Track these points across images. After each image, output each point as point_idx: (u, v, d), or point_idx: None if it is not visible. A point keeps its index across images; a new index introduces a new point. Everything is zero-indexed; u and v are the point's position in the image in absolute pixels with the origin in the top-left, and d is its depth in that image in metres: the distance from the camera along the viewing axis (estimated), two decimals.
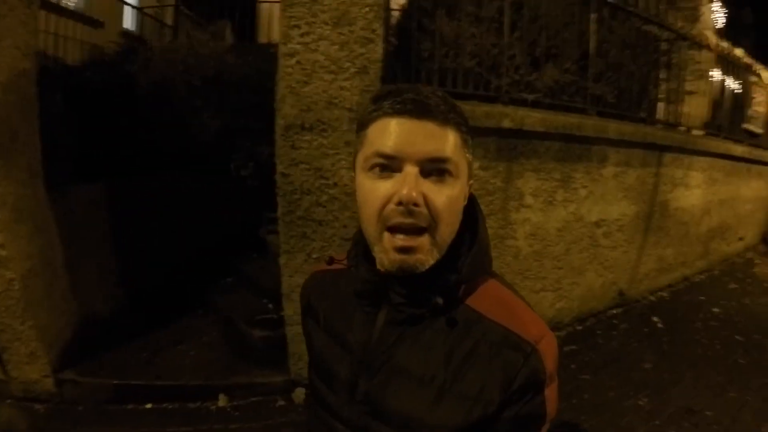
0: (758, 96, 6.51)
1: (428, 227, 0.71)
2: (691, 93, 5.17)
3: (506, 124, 3.29)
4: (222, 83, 4.31)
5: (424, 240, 0.71)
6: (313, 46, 2.59)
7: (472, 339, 0.74)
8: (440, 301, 0.74)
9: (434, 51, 3.15)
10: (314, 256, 2.82)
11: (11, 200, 2.63)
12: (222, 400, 2.92)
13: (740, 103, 6.12)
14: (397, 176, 0.70)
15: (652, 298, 5.21)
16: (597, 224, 4.28)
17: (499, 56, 3.37)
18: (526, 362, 0.71)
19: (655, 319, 4.67)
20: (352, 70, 2.66)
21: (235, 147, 4.24)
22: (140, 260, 3.91)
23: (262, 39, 8.00)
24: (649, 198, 4.82)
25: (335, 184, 2.76)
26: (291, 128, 2.66)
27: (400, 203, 0.69)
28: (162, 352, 3.30)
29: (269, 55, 3.64)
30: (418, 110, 0.70)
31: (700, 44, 5.12)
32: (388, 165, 0.71)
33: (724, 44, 6.11)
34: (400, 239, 0.71)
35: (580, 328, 4.33)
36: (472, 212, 0.82)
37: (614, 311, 4.70)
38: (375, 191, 0.72)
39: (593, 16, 3.85)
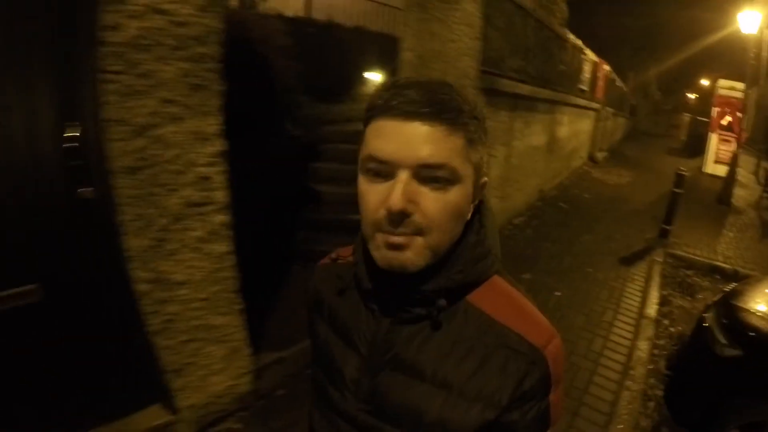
0: (585, 66, 10.29)
1: (420, 232, 0.68)
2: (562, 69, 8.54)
3: (510, 89, 5.92)
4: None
5: (414, 240, 0.69)
6: None
7: (479, 341, 0.73)
8: (443, 302, 0.73)
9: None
10: None
11: None
12: None
13: (577, 71, 9.76)
14: (390, 182, 0.67)
15: (552, 193, 8.68)
16: (535, 148, 7.40)
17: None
18: (532, 367, 0.70)
19: (561, 204, 8.13)
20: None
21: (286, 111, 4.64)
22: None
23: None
24: (550, 131, 8.12)
25: None
26: None
27: (389, 211, 0.66)
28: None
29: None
30: (416, 111, 0.66)
31: (566, 39, 8.46)
32: (382, 169, 0.68)
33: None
34: (391, 236, 0.68)
35: (529, 212, 7.45)
36: (480, 212, 0.81)
37: (539, 202, 7.97)
38: (368, 195, 0.70)
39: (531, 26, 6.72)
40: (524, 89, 6.25)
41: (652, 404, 3.44)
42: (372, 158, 0.69)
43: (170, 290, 2.33)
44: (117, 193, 2.08)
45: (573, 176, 10.37)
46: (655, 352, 4.02)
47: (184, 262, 2.33)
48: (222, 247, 2.45)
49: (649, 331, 4.23)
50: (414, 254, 0.69)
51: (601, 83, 12.01)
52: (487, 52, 4.97)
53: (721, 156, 12.68)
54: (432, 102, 0.66)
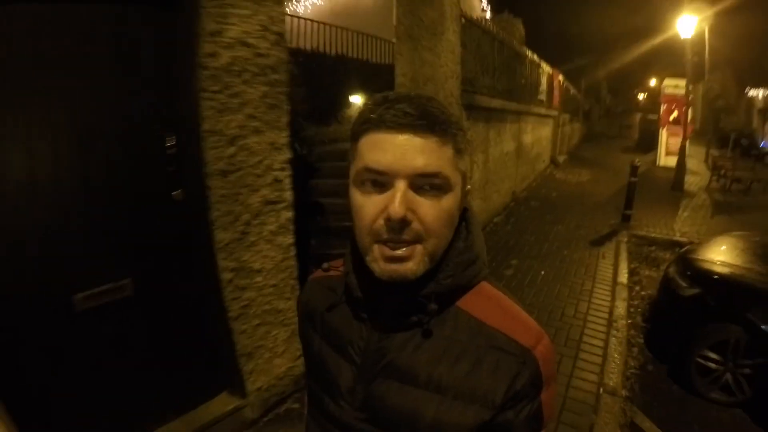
0: (542, 78, 11.28)
1: (419, 240, 0.71)
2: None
3: (485, 104, 6.75)
4: None
5: (415, 249, 0.71)
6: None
7: (470, 344, 0.74)
8: (435, 307, 0.74)
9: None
10: None
11: None
12: None
13: (536, 83, 10.71)
14: (388, 192, 0.69)
15: (523, 194, 9.53)
16: (506, 154, 8.20)
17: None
18: (523, 367, 0.72)
19: (532, 202, 8.96)
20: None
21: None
22: None
23: None
24: (517, 139, 8.97)
25: None
26: None
27: (389, 220, 0.68)
28: None
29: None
30: (410, 124, 0.68)
31: (525, 56, 9.39)
32: (378, 180, 0.70)
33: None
34: (391, 249, 0.70)
35: (505, 211, 8.23)
36: (466, 219, 0.83)
37: (512, 203, 8.76)
38: (365, 207, 0.71)
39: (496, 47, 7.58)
40: (496, 103, 7.09)
41: (635, 349, 4.18)
42: (368, 170, 0.70)
43: (249, 278, 2.70)
44: (210, 193, 2.45)
45: (539, 178, 11.30)
46: (631, 310, 4.79)
47: (261, 252, 2.73)
48: (288, 239, 2.88)
49: (623, 293, 4.99)
50: (414, 264, 0.71)
51: (556, 92, 13.09)
52: (463, 73, 5.73)
53: (671, 149, 13.60)
54: (424, 114, 0.68)
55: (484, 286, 0.81)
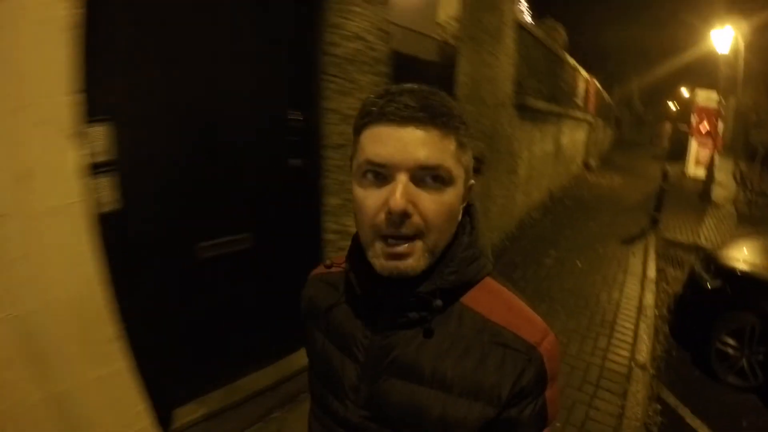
0: (580, 83, 11.70)
1: (420, 234, 0.70)
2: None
3: (532, 105, 7.23)
4: None
5: (415, 245, 0.70)
6: None
7: (475, 340, 0.74)
8: (439, 303, 0.74)
9: None
10: None
11: None
12: None
13: (574, 88, 11.12)
14: (389, 185, 0.69)
15: (559, 193, 10.00)
16: (547, 154, 8.68)
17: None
18: (528, 364, 0.71)
19: (566, 201, 9.46)
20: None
21: None
22: None
23: None
24: (556, 140, 9.44)
25: None
26: None
27: (390, 213, 0.67)
28: None
29: None
30: (411, 116, 0.67)
31: (566, 61, 9.81)
32: (380, 173, 0.69)
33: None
34: (391, 246, 0.70)
35: (542, 208, 8.70)
36: (470, 214, 0.82)
37: (548, 201, 9.23)
38: (367, 200, 0.71)
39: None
40: (541, 105, 7.57)
41: (661, 336, 4.65)
42: (370, 162, 0.69)
43: (347, 240, 3.31)
44: (325, 163, 2.82)
45: (573, 180, 11.76)
46: (658, 303, 5.22)
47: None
48: None
49: (652, 286, 5.49)
50: (415, 260, 0.71)
51: (592, 98, 13.49)
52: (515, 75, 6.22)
53: (701, 159, 13.98)
54: (426, 107, 0.68)
55: (489, 281, 0.80)
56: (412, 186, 0.69)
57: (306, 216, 2.93)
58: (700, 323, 4.27)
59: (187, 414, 2.46)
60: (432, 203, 0.70)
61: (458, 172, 0.72)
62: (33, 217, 1.56)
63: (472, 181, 0.79)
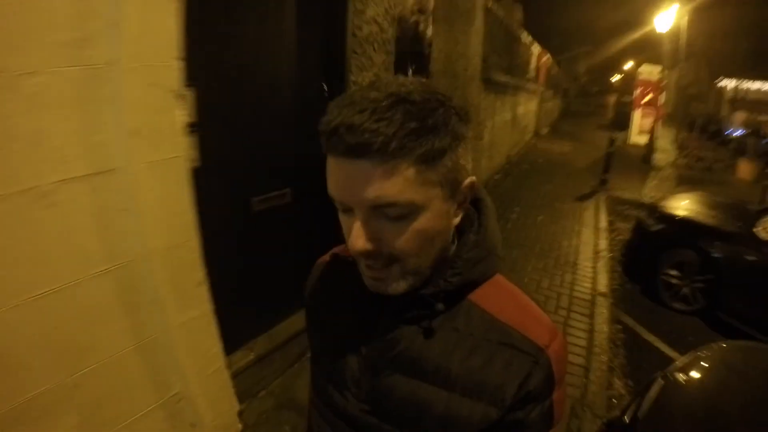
0: (532, 57, 12.44)
1: (395, 260, 0.66)
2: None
3: (496, 78, 7.86)
4: None
5: (391, 270, 0.67)
6: None
7: (483, 338, 0.71)
8: (441, 307, 0.71)
9: None
10: None
11: None
12: None
13: (527, 62, 11.84)
14: (354, 218, 0.63)
15: (515, 158, 10.80)
16: (506, 122, 9.37)
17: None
18: (536, 367, 0.69)
19: (523, 166, 10.24)
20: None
21: None
22: None
23: None
24: (513, 110, 10.16)
25: None
26: None
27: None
28: None
29: None
30: (351, 151, 0.58)
31: (521, 38, 10.47)
32: (343, 205, 0.65)
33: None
34: (369, 268, 0.68)
35: (503, 171, 9.42)
36: (479, 209, 0.79)
37: (507, 165, 9.97)
38: (343, 225, 0.68)
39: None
40: (503, 78, 8.27)
41: (615, 274, 5.41)
42: (330, 196, 0.65)
43: None
44: None
45: (526, 147, 12.64)
46: (611, 247, 6.00)
47: None
48: None
49: (605, 234, 6.33)
50: (394, 282, 0.68)
51: (543, 70, 14.30)
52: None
53: (644, 128, 15.03)
54: (371, 135, 0.56)
55: (499, 278, 0.77)
56: (373, 221, 0.63)
57: None
58: (647, 260, 5.04)
59: (240, 359, 2.66)
60: (399, 234, 0.64)
61: (426, 195, 0.62)
62: (139, 171, 1.62)
63: (473, 178, 0.70)
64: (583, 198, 8.05)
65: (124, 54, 1.52)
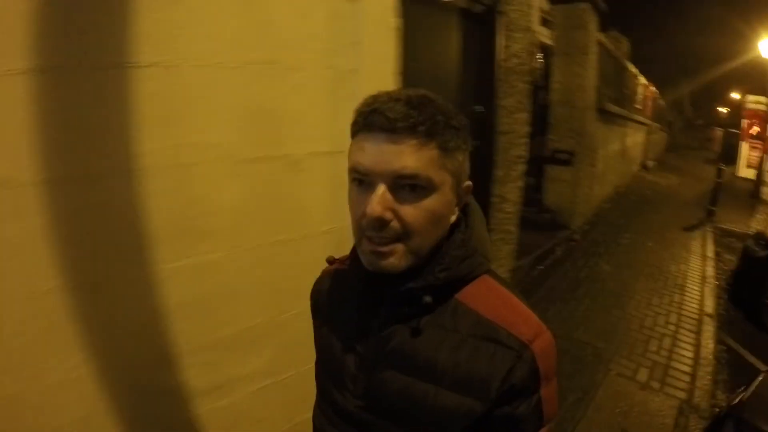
0: (639, 89, 12.75)
1: (401, 238, 0.73)
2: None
3: (608, 109, 8.37)
4: None
5: (396, 247, 0.73)
6: None
7: (469, 334, 0.75)
8: (429, 299, 0.76)
9: None
10: None
11: None
12: None
13: (634, 93, 12.20)
14: (371, 191, 0.71)
15: (623, 189, 11.13)
16: (616, 152, 9.80)
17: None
18: (519, 361, 0.71)
19: (630, 197, 10.62)
20: None
21: None
22: None
23: None
24: (622, 141, 10.57)
25: None
26: None
27: (366, 217, 0.71)
28: None
29: None
30: (390, 127, 0.69)
31: (628, 69, 10.96)
32: (363, 180, 0.73)
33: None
34: (374, 245, 0.73)
35: (611, 201, 9.80)
36: (465, 213, 0.84)
37: (615, 194, 10.34)
38: (354, 202, 0.75)
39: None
40: (614, 109, 8.74)
41: (721, 300, 5.75)
42: (355, 170, 0.74)
43: (505, 203, 3.87)
44: (496, 147, 3.65)
45: (633, 179, 12.83)
46: (717, 275, 6.39)
47: (509, 187, 3.93)
48: (521, 182, 4.12)
49: (711, 263, 6.64)
50: (396, 259, 0.74)
51: (649, 102, 14.47)
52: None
53: (751, 161, 14.73)
54: (405, 117, 0.69)
55: (486, 279, 0.82)
56: (389, 194, 0.71)
57: (482, 183, 3.56)
58: (752, 286, 5.37)
59: None
60: (411, 210, 0.72)
61: (442, 178, 0.74)
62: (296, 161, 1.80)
63: (469, 182, 0.81)
64: (691, 229, 8.29)
65: (361, 65, 1.91)
